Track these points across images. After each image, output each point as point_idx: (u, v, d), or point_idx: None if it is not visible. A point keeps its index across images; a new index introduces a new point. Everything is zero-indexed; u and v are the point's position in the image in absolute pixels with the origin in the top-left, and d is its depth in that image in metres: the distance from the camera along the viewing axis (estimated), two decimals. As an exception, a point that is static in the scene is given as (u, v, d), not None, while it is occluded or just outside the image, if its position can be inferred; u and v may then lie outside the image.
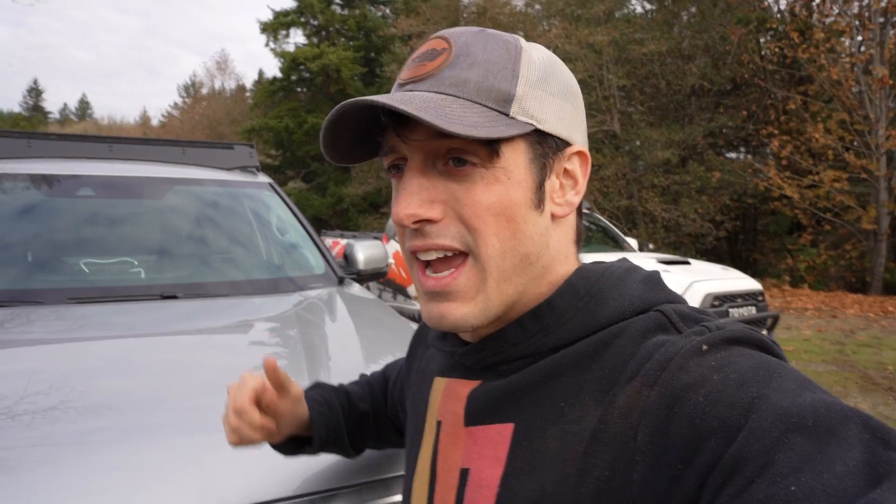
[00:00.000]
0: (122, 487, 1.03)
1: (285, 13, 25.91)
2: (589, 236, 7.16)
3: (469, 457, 0.64)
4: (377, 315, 2.21)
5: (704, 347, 0.52)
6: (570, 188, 0.65)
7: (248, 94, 38.19)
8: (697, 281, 5.64)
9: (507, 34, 0.64)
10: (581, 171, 0.66)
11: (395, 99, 0.57)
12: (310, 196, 24.17)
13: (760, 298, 6.00)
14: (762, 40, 15.27)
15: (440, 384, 0.72)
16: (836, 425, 0.43)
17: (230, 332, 1.92)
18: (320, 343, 1.77)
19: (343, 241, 9.04)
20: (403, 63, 0.65)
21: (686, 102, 16.25)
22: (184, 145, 3.05)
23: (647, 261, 5.86)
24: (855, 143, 12.96)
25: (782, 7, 15.24)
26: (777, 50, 13.85)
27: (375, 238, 7.36)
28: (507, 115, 0.59)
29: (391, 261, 7.30)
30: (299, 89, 26.58)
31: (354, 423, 0.99)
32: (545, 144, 0.62)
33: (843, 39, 13.11)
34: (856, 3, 12.83)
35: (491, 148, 0.58)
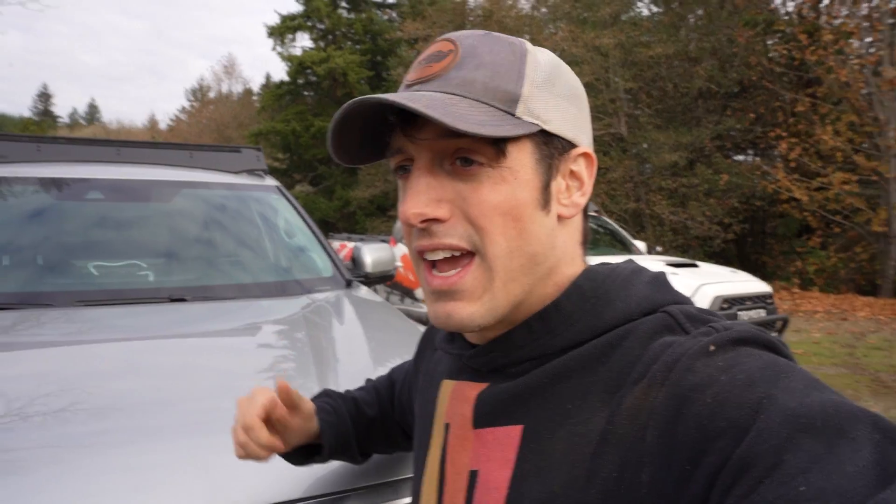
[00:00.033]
0: (131, 489, 1.03)
1: (292, 17, 26.00)
2: (597, 239, 7.14)
3: (478, 459, 0.64)
4: (385, 318, 2.21)
5: (712, 348, 0.52)
6: (576, 189, 0.65)
7: (255, 97, 38.29)
8: (706, 284, 5.62)
9: (512, 37, 0.64)
10: (587, 173, 0.66)
11: (402, 97, 0.57)
12: (317, 199, 24.22)
13: (770, 301, 5.97)
14: (770, 42, 15.20)
15: (448, 387, 0.72)
16: (846, 425, 0.43)
17: (238, 334, 1.92)
18: (328, 346, 1.78)
19: (350, 244, 9.06)
20: (410, 66, 0.65)
21: (693, 105, 16.18)
22: (191, 149, 3.06)
23: (655, 264, 5.84)
24: (864, 145, 12.86)
25: (790, 9, 15.17)
26: (785, 52, 13.76)
27: (383, 241, 7.36)
28: (513, 115, 0.59)
29: (399, 264, 7.31)
30: (306, 93, 26.65)
31: (363, 430, 0.99)
32: (551, 145, 0.62)
33: (851, 41, 12.99)
34: (865, 5, 12.73)
35: (498, 148, 0.59)
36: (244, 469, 1.09)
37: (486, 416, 0.64)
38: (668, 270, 5.60)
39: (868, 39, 12.73)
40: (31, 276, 2.19)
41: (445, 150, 0.60)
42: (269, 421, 0.83)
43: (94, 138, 3.15)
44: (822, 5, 14.02)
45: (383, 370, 1.11)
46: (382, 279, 2.89)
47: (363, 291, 2.54)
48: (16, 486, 1.01)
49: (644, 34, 15.99)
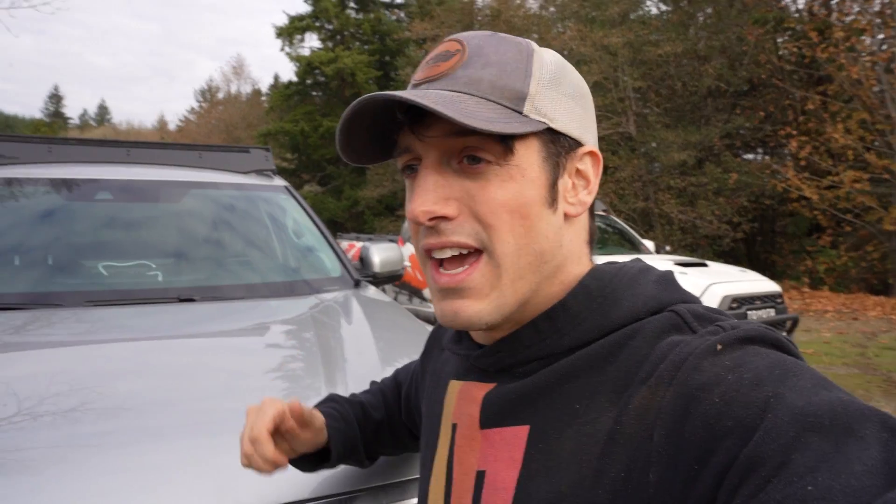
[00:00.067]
0: (139, 489, 1.03)
1: (300, 17, 26.06)
2: (605, 238, 7.13)
3: (485, 459, 0.64)
4: (393, 318, 2.22)
5: (719, 347, 0.51)
6: (582, 188, 0.65)
7: (263, 98, 38.40)
8: (715, 283, 5.59)
9: (518, 38, 0.65)
10: (593, 172, 0.66)
11: (411, 94, 0.57)
12: (325, 199, 24.28)
13: (779, 300, 5.94)
14: (780, 40, 15.10)
15: (455, 387, 0.72)
16: (854, 424, 0.42)
17: (247, 334, 1.93)
18: (336, 345, 1.78)
19: (359, 244, 9.08)
20: (418, 66, 0.65)
21: (702, 104, 16.09)
22: (200, 149, 3.08)
23: (664, 263, 5.82)
24: (876, 143, 12.74)
25: (800, 6, 15.05)
26: (795, 50, 13.67)
27: (391, 241, 7.36)
28: (520, 112, 0.60)
29: (407, 263, 7.31)
30: (315, 93, 26.70)
31: (370, 434, 0.99)
32: (558, 144, 0.62)
33: (863, 38, 12.89)
34: (877, 1, 12.62)
35: (505, 145, 0.59)
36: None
37: (493, 416, 0.64)
38: (677, 270, 5.58)
39: (880, 36, 12.61)
40: (42, 277, 2.21)
41: (453, 148, 0.60)
42: (279, 430, 0.83)
43: (105, 139, 3.17)
44: (832, 2, 13.90)
45: (392, 370, 1.12)
46: (391, 279, 2.90)
47: (371, 291, 2.55)
48: (25, 484, 1.02)
49: (653, 33, 15.91)
